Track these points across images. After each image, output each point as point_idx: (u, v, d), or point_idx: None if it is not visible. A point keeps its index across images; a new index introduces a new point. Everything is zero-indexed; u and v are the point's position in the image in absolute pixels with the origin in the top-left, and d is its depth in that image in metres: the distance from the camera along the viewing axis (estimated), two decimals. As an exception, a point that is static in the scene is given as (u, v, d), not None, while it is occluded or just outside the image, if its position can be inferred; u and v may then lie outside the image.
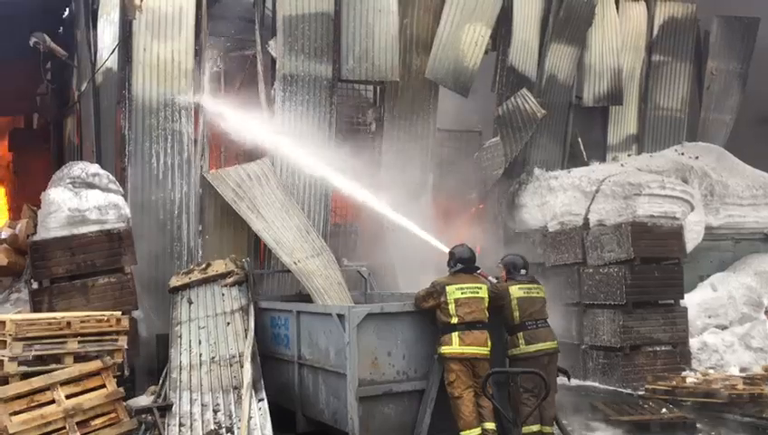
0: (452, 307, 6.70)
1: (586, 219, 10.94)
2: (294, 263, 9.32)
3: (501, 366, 6.92)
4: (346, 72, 10.95)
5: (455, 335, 6.65)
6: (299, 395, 7.53)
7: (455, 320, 6.68)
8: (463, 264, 7.00)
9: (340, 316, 6.74)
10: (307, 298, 8.91)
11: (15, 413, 6.49)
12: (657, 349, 10.30)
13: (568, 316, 10.88)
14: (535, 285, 7.21)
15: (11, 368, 6.69)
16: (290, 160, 10.35)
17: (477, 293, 6.81)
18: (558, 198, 11.47)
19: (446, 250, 7.84)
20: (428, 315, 6.86)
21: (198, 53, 10.00)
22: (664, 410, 8.60)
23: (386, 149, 11.51)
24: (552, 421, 6.99)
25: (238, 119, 10.06)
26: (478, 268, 7.09)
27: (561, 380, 7.35)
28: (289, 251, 9.49)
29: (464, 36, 11.61)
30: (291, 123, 10.60)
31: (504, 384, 7.06)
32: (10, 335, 6.72)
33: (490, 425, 6.61)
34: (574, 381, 9.08)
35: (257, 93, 10.52)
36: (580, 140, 13.08)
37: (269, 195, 10.13)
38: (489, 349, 6.74)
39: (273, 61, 10.51)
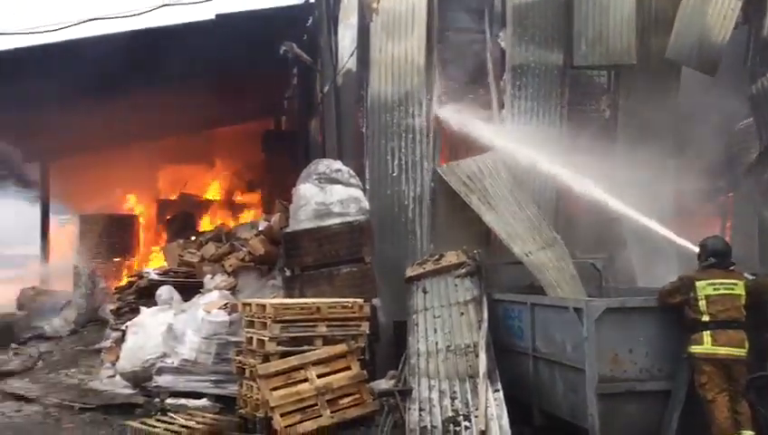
0: (702, 304, 6.23)
1: None
2: (526, 255, 9.25)
3: (760, 369, 6.30)
4: (578, 59, 10.60)
5: (706, 334, 6.17)
6: (534, 388, 7.44)
7: (706, 318, 6.20)
8: (716, 258, 6.45)
9: (578, 310, 6.55)
10: (539, 290, 8.78)
11: (275, 388, 7.20)
12: None
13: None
14: None
15: (271, 347, 7.41)
16: (520, 152, 10.26)
17: (733, 289, 6.24)
18: (826, 184, 10.14)
19: (687, 244, 7.32)
20: (674, 311, 6.43)
21: (429, 50, 10.26)
22: None
23: (621, 136, 10.96)
24: (825, 435, 6.23)
25: (469, 112, 10.17)
26: (734, 263, 6.50)
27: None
28: (520, 243, 9.43)
29: (710, 10, 10.64)
30: (521, 114, 10.51)
31: (764, 389, 6.40)
32: (270, 318, 7.45)
33: (749, 433, 6.04)
34: None
35: (487, 86, 10.56)
36: None
37: (499, 186, 10.12)
38: (746, 350, 6.16)
39: (503, 52, 10.48)
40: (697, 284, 6.28)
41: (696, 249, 6.79)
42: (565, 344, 6.88)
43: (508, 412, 6.76)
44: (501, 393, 6.93)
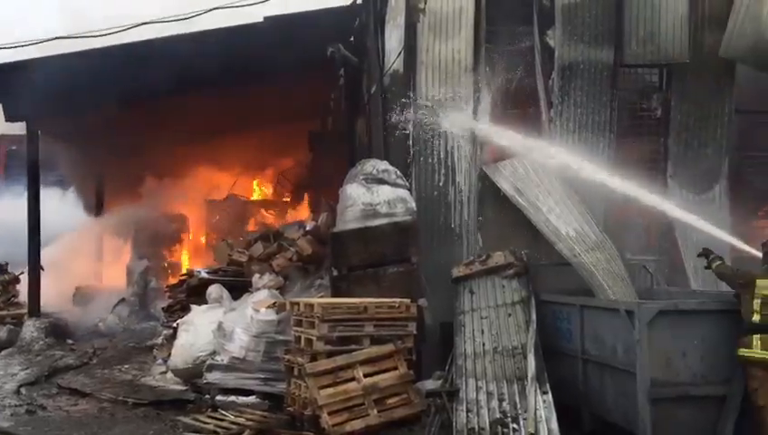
0: (756, 303, 6.10)
1: None
2: (574, 256, 9.14)
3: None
4: (629, 57, 10.39)
5: (755, 337, 6.05)
6: (584, 391, 7.35)
7: (756, 318, 6.08)
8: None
9: (629, 313, 6.48)
10: (589, 292, 8.67)
11: (323, 387, 7.26)
12: None
13: None
14: None
15: (318, 346, 7.48)
16: (569, 151, 10.13)
17: (793, 296, 6.08)
18: None
19: (745, 247, 7.15)
20: (733, 315, 6.29)
21: (477, 50, 10.21)
22: None
23: (672, 136, 10.72)
24: None
25: (516, 112, 10.10)
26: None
27: None
28: (568, 244, 9.32)
29: (766, 8, 10.35)
30: (569, 114, 10.35)
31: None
32: (317, 317, 7.52)
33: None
34: None
35: (535, 86, 10.46)
36: None
37: (547, 186, 10.02)
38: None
39: (551, 52, 10.37)
40: (758, 282, 6.14)
41: (754, 252, 6.64)
42: (616, 348, 6.79)
43: (557, 415, 6.70)
44: (550, 396, 6.87)
